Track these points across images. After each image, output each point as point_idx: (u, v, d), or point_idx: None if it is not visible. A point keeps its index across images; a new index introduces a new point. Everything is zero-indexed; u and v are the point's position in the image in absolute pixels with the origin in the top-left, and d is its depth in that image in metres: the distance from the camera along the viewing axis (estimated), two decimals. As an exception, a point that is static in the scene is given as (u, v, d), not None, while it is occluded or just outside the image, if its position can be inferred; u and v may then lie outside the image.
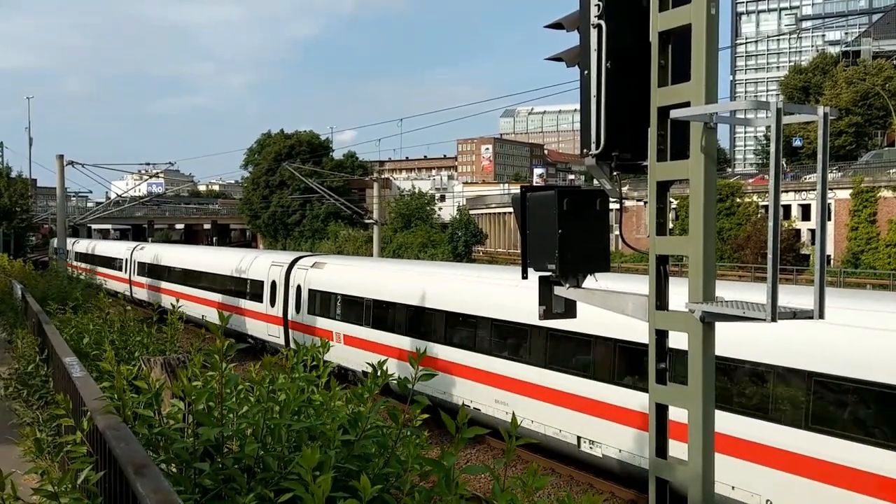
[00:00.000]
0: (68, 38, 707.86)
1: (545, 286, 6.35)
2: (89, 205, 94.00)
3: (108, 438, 3.60)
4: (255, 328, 25.92)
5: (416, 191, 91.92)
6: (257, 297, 25.97)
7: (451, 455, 3.36)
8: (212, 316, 24.02)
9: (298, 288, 23.78)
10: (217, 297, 29.11)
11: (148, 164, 43.92)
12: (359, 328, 20.69)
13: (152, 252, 39.25)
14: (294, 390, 4.00)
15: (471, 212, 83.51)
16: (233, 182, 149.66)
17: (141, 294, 38.68)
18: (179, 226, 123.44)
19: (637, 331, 9.49)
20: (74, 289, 19.13)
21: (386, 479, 3.59)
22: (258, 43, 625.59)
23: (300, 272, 23.99)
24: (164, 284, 35.39)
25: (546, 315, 6.50)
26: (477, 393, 16.19)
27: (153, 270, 37.54)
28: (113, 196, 70.58)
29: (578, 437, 13.88)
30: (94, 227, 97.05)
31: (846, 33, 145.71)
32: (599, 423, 13.42)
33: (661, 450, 5.46)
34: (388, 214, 74.98)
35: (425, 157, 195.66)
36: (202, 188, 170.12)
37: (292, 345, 23.08)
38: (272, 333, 24.83)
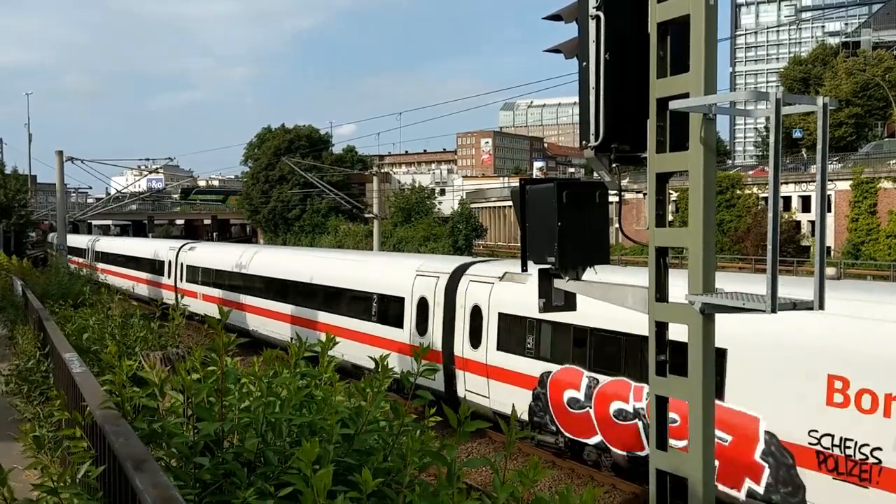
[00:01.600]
0: (67, 33, 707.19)
1: (545, 279, 6.34)
2: (89, 201, 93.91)
3: (108, 433, 3.60)
4: (163, 295, 35.55)
5: (417, 185, 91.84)
6: (161, 272, 36.64)
7: (452, 448, 3.36)
8: (139, 289, 38.84)
9: (181, 264, 34.22)
10: (142, 274, 39.86)
11: (147, 159, 43.88)
12: (207, 288, 31.00)
13: (105, 243, 51.85)
14: (294, 385, 4.00)
15: (471, 205, 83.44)
16: (232, 177, 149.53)
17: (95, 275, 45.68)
18: (180, 221, 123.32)
19: (291, 272, 24.41)
20: (74, 284, 19.12)
21: (387, 473, 3.59)
22: (257, 37, 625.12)
23: (182, 253, 34.63)
24: (108, 267, 45.88)
25: (546, 308, 6.49)
26: (252, 320, 26.69)
27: (103, 257, 48.71)
28: (113, 192, 70.58)
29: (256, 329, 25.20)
30: (94, 222, 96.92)
31: (846, 24, 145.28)
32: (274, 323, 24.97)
33: (661, 442, 5.46)
34: (388, 209, 74.92)
35: (425, 150, 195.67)
36: (202, 183, 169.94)
37: (180, 303, 30.48)
38: (169, 297, 33.58)
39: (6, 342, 14.90)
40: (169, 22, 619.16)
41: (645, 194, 5.46)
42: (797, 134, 76.57)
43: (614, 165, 5.76)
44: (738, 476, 10.64)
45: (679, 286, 5.48)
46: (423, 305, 18.05)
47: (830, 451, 9.50)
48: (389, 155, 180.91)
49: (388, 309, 19.35)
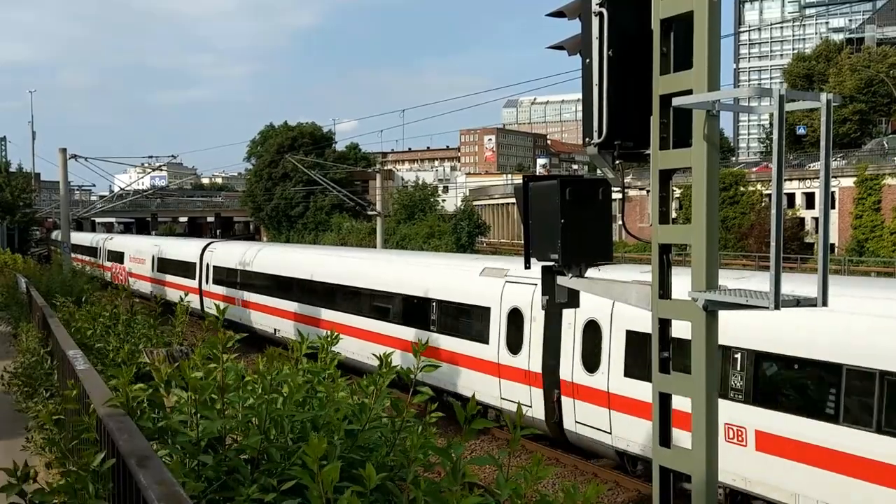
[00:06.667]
0: (67, 29, 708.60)
1: (548, 276, 6.34)
2: (93, 198, 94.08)
3: (112, 430, 3.62)
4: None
5: (420, 182, 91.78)
6: (93, 254, 49.79)
7: (458, 445, 3.37)
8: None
9: (106, 249, 47.79)
10: (87, 258, 48.95)
11: (151, 157, 43.92)
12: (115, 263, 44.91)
13: (85, 237, 60.42)
14: (296, 381, 4.01)
15: (474, 203, 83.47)
16: (236, 174, 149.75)
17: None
18: (183, 219, 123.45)
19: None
20: (78, 282, 19.17)
21: (390, 469, 3.60)
22: (257, 33, 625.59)
23: (108, 241, 48.79)
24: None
25: (550, 305, 6.49)
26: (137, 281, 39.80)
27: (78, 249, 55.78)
28: (116, 190, 70.66)
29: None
30: (98, 220, 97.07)
31: (850, 20, 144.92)
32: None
33: (664, 439, 5.46)
34: (391, 206, 74.89)
35: (428, 148, 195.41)
36: (205, 181, 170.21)
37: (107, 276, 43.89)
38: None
39: (10, 339, 14.95)
40: (168, 17, 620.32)
41: (648, 191, 5.46)
42: (801, 130, 76.34)
43: (617, 162, 5.76)
44: None
45: (682, 283, 5.48)
46: None
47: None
48: (393, 152, 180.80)
49: None
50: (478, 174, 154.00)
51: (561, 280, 6.27)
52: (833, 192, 51.45)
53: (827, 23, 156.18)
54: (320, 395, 4.15)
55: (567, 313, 14.35)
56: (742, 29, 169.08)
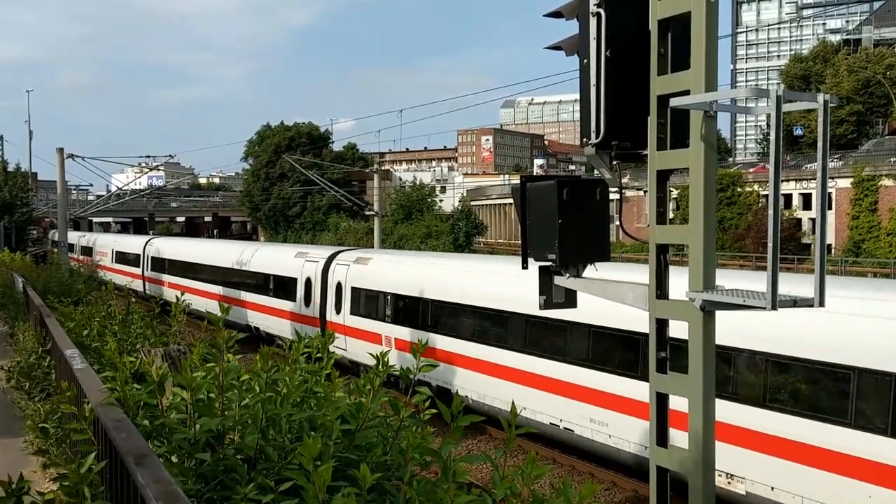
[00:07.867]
0: (64, 27, 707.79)
1: (545, 276, 6.34)
2: (90, 198, 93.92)
3: (109, 429, 3.61)
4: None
5: (417, 182, 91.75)
6: (72, 250, 49.87)
7: (447, 444, 3.37)
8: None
9: (80, 245, 54.38)
10: (72, 254, 50.82)
11: (148, 156, 43.82)
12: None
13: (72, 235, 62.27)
14: (295, 381, 4.00)
15: (471, 203, 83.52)
16: (233, 174, 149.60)
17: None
18: (180, 218, 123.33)
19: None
20: (75, 282, 19.15)
21: (387, 469, 3.60)
22: (255, 32, 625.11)
23: (80, 238, 56.00)
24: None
25: (546, 305, 6.49)
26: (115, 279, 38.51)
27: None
28: (113, 189, 70.60)
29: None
30: (95, 220, 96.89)
31: (847, 21, 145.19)
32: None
33: (661, 439, 5.47)
34: (388, 206, 74.82)
35: (426, 148, 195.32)
36: (203, 180, 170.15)
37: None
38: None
39: (7, 339, 14.92)
40: (168, 16, 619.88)
41: (646, 191, 5.47)
42: (798, 131, 76.48)
43: (615, 163, 5.76)
44: None
45: (680, 283, 5.49)
46: None
47: None
48: (390, 152, 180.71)
49: None
50: (475, 174, 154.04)
51: (558, 280, 6.28)
52: (830, 193, 51.48)
53: (824, 24, 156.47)
54: (318, 395, 4.16)
55: (330, 278, 22.98)
56: (739, 30, 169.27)
